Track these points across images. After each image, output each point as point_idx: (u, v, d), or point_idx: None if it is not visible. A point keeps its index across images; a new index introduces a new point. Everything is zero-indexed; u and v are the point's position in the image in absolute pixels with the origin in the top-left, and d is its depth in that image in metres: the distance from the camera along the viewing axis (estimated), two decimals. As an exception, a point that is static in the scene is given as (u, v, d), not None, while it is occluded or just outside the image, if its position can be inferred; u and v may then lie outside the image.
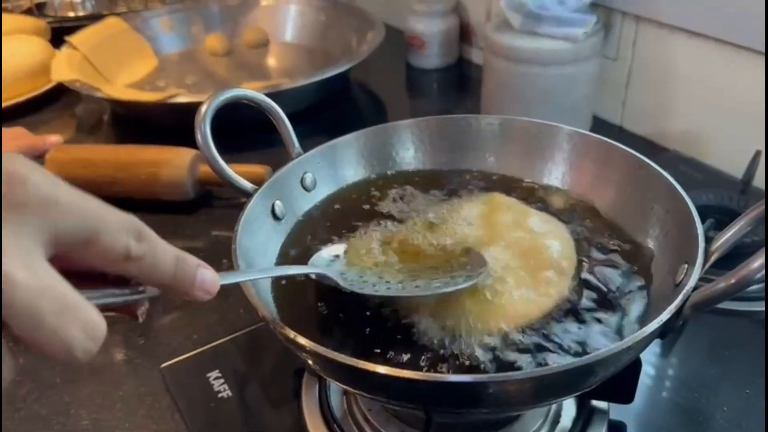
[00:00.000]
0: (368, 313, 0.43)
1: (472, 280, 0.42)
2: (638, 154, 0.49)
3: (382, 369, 0.33)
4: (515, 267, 0.45)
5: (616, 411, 0.49)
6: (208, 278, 0.31)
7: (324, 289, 0.44)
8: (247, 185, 0.49)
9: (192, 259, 0.31)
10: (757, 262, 0.32)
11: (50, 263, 0.25)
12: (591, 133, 0.53)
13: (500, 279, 0.44)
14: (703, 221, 0.42)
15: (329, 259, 0.47)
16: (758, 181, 0.70)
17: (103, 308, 0.28)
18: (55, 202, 0.25)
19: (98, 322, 0.26)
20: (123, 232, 0.27)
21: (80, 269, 0.28)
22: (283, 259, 0.49)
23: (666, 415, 0.50)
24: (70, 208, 0.26)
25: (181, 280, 0.30)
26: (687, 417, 0.50)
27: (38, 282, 0.24)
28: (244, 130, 0.77)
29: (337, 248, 0.48)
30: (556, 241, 0.48)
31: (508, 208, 0.51)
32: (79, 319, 0.25)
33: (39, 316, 0.24)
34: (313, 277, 0.44)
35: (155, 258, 0.29)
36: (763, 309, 0.58)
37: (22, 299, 0.23)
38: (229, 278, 0.35)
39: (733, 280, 0.33)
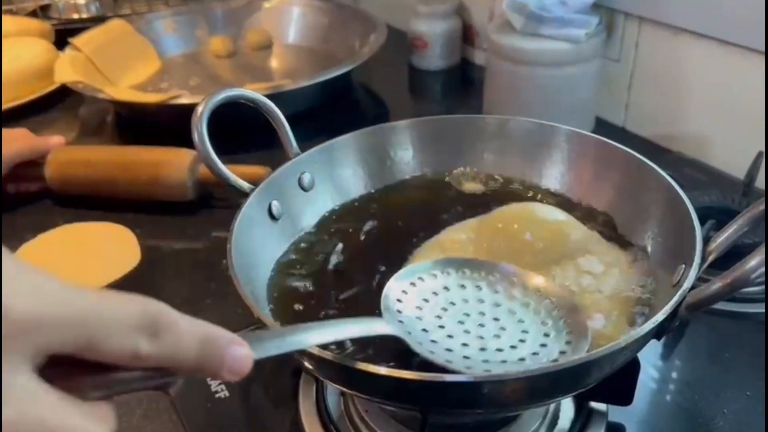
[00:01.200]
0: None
1: (572, 357, 0.35)
2: (636, 154, 0.49)
3: (376, 369, 0.33)
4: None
5: (615, 413, 0.49)
6: (240, 357, 0.28)
7: (318, 291, 0.44)
8: (244, 185, 0.49)
9: (222, 338, 0.28)
10: (753, 261, 0.32)
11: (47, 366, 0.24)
12: (589, 133, 0.53)
13: None
14: (704, 222, 0.42)
15: (396, 301, 0.40)
16: (761, 183, 0.69)
17: (121, 393, 0.26)
18: (33, 322, 0.23)
19: None
20: (129, 330, 0.25)
21: None
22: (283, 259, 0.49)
23: (666, 416, 0.50)
24: (57, 320, 0.23)
25: (207, 365, 0.27)
26: (687, 419, 0.49)
27: (14, 412, 0.22)
28: (244, 132, 0.77)
29: (402, 281, 0.41)
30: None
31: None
32: None
33: None
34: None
35: (174, 349, 0.26)
36: (763, 311, 0.58)
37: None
38: (268, 349, 0.30)
39: (728, 280, 0.33)
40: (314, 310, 0.44)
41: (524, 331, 0.38)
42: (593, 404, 0.49)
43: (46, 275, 0.24)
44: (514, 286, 0.41)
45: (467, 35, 1.13)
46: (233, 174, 0.49)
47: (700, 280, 0.37)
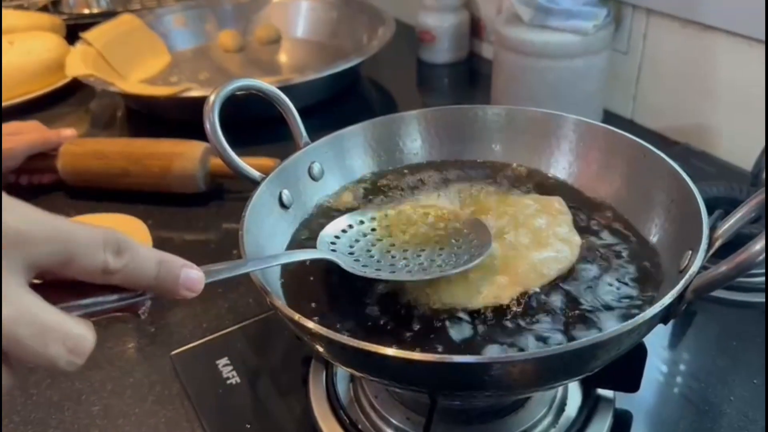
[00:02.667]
0: (373, 296, 0.44)
1: (478, 258, 0.43)
2: (643, 142, 0.49)
3: (385, 350, 0.34)
4: (517, 234, 0.47)
5: (622, 400, 0.49)
6: (193, 276, 0.33)
7: (331, 274, 0.45)
8: (255, 174, 0.50)
9: (176, 261, 0.33)
10: (758, 245, 0.32)
11: (36, 281, 0.28)
12: (596, 122, 0.53)
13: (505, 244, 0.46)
14: (711, 213, 0.42)
15: (333, 236, 0.47)
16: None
17: (99, 313, 0.31)
18: (25, 236, 0.27)
19: (81, 336, 0.29)
20: (98, 248, 0.29)
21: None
22: (294, 245, 0.50)
23: (672, 404, 0.50)
24: (42, 237, 0.28)
25: (164, 281, 0.32)
26: (693, 406, 0.50)
27: (13, 310, 0.26)
28: (254, 125, 0.78)
29: (341, 222, 0.49)
30: (557, 216, 0.49)
31: (495, 193, 0.54)
32: (60, 336, 0.28)
33: (17, 340, 0.26)
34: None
35: (135, 266, 0.31)
36: (771, 300, 0.58)
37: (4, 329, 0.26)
38: (221, 274, 0.35)
39: (734, 264, 0.33)
40: (323, 294, 0.45)
41: (441, 248, 0.46)
42: (600, 391, 0.49)
43: (34, 207, 0.28)
44: (432, 221, 0.49)
45: (475, 29, 1.13)
46: (244, 163, 0.50)
47: (704, 268, 0.38)
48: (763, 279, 0.59)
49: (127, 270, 0.30)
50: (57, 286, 0.30)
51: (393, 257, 0.45)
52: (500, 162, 0.57)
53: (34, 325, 0.27)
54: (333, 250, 0.45)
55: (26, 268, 0.28)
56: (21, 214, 0.28)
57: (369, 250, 0.46)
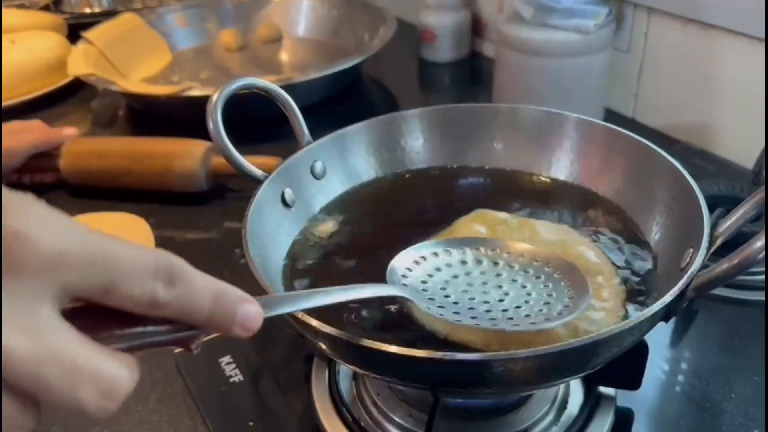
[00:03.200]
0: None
1: (576, 311, 0.38)
2: (644, 140, 0.49)
3: (388, 348, 0.34)
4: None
5: (624, 398, 0.49)
6: (251, 314, 0.29)
7: (333, 272, 0.45)
8: (258, 172, 0.50)
9: (234, 294, 0.28)
10: (759, 242, 0.33)
11: (68, 309, 0.24)
12: (597, 121, 0.53)
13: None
14: (712, 211, 0.42)
15: (405, 268, 0.41)
16: (769, 172, 0.69)
17: (144, 347, 0.26)
18: (59, 257, 0.23)
19: (117, 377, 0.25)
20: (147, 277, 0.25)
21: None
22: (297, 246, 0.50)
23: (673, 401, 0.50)
24: (79, 260, 0.24)
25: (219, 318, 0.28)
26: (694, 404, 0.50)
27: (40, 348, 0.23)
28: (256, 124, 0.78)
29: (414, 253, 0.43)
30: (581, 246, 0.47)
31: (502, 222, 0.49)
32: (91, 379, 0.24)
33: (44, 383, 0.23)
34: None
35: (188, 299, 0.26)
36: (772, 298, 0.58)
37: (23, 369, 0.22)
38: (281, 307, 0.31)
39: (735, 261, 0.34)
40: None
41: (528, 294, 0.40)
42: (602, 389, 0.49)
43: (72, 220, 0.25)
44: (513, 258, 0.43)
45: (477, 27, 1.13)
46: (247, 162, 0.50)
47: (704, 267, 0.38)
48: (762, 277, 0.60)
49: (178, 303, 0.26)
50: (93, 310, 0.25)
51: (471, 299, 0.40)
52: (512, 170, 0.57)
53: (62, 364, 0.23)
54: (404, 284, 0.40)
55: (59, 296, 0.24)
56: (55, 228, 0.24)
57: (444, 288, 0.41)
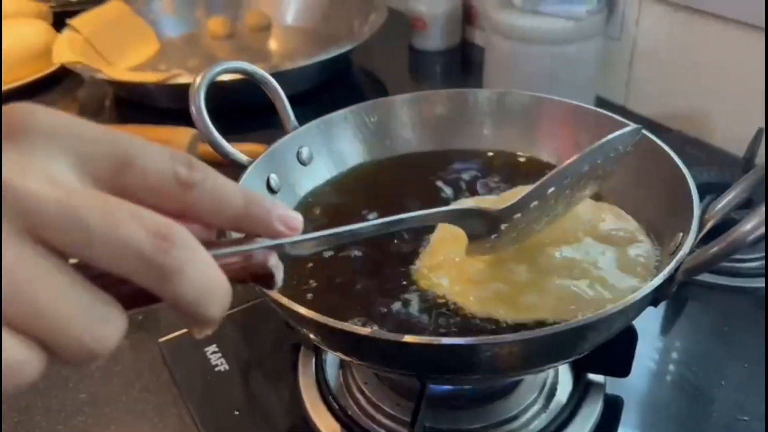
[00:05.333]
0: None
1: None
2: (633, 125, 0.49)
3: (374, 333, 0.34)
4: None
5: (613, 385, 0.49)
6: (291, 213, 0.26)
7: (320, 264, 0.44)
8: (243, 158, 0.49)
9: (266, 197, 0.26)
10: (749, 224, 0.32)
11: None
12: (587, 105, 0.53)
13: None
14: (704, 198, 0.42)
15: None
16: (761, 159, 0.69)
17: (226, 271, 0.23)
18: (68, 127, 0.22)
19: (159, 217, 0.21)
20: (166, 157, 0.23)
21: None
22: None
23: (663, 389, 0.50)
24: (93, 135, 0.22)
25: (257, 212, 0.25)
26: (684, 391, 0.49)
27: (65, 191, 0.20)
28: (242, 113, 0.76)
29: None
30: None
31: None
32: (133, 215, 0.20)
33: (76, 221, 0.20)
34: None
35: (215, 186, 0.24)
36: (763, 285, 0.58)
37: (57, 212, 0.19)
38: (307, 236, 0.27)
39: (725, 243, 0.33)
40: (310, 282, 0.45)
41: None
42: (591, 376, 0.49)
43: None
44: None
45: (468, 15, 1.12)
46: (232, 147, 0.49)
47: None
48: (754, 264, 0.60)
49: (207, 188, 0.23)
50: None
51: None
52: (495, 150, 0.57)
53: (97, 203, 0.20)
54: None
55: (74, 165, 0.21)
56: (64, 114, 0.22)
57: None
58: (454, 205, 0.38)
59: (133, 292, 0.22)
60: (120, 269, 0.21)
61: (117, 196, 0.21)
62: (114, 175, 0.22)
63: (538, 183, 0.36)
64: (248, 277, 0.26)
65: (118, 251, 0.20)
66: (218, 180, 0.24)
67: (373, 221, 0.30)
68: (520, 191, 0.37)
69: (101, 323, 0.21)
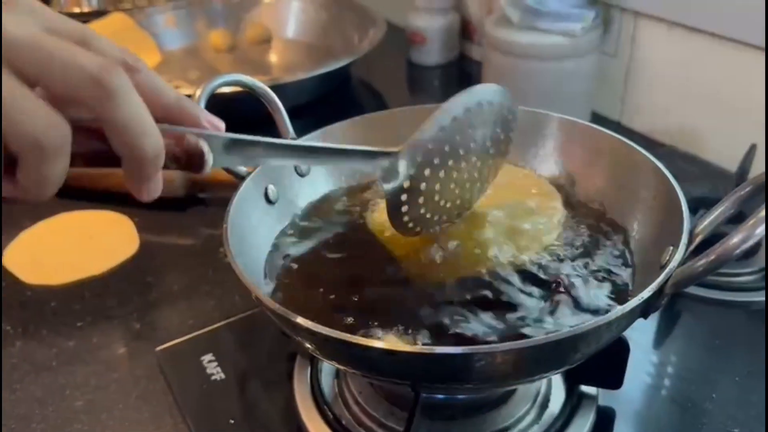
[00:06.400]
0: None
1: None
2: (625, 140, 0.50)
3: (367, 342, 0.34)
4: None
5: (605, 397, 0.49)
6: (214, 117, 0.34)
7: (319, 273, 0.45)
8: (242, 169, 0.50)
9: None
10: (736, 238, 0.33)
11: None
12: (580, 120, 0.54)
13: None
14: (695, 213, 0.42)
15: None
16: (753, 175, 0.70)
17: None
18: (44, 10, 0.29)
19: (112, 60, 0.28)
20: (115, 47, 0.30)
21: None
22: (280, 240, 0.50)
23: (655, 401, 0.50)
24: (61, 18, 0.29)
25: (187, 105, 0.32)
26: (676, 404, 0.50)
27: (37, 32, 0.27)
28: (241, 126, 0.77)
29: None
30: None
31: None
32: (86, 54, 0.27)
33: (43, 50, 0.27)
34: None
35: (155, 76, 0.31)
36: (756, 299, 0.58)
37: (23, 42, 0.26)
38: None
39: (713, 257, 0.34)
40: (308, 290, 0.45)
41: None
42: (583, 388, 0.49)
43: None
44: None
45: (465, 30, 1.14)
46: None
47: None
48: (747, 278, 0.60)
49: (148, 76, 0.30)
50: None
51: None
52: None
53: (59, 41, 0.27)
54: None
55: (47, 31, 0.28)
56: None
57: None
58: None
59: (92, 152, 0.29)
60: (71, 89, 0.27)
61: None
62: (78, 43, 0.28)
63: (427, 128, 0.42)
64: (182, 155, 0.31)
65: (74, 73, 0.27)
66: (156, 75, 0.31)
67: (291, 141, 0.37)
68: None
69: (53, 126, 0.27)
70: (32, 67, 0.27)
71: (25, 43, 0.26)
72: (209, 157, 0.31)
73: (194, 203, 0.78)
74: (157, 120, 0.30)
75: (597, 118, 0.91)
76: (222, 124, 0.34)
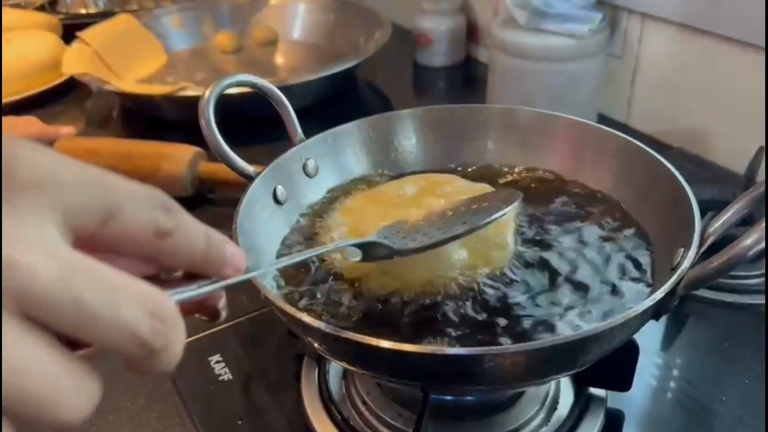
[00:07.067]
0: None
1: (508, 206, 0.41)
2: (636, 142, 0.50)
3: (378, 342, 0.34)
4: None
5: (614, 399, 0.49)
6: (237, 254, 0.27)
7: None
8: (249, 169, 0.50)
9: (218, 234, 0.27)
10: (749, 239, 0.33)
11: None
12: (589, 122, 0.53)
13: None
14: (705, 214, 0.42)
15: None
16: (762, 177, 0.70)
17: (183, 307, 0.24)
18: (54, 176, 0.21)
19: (157, 294, 0.21)
20: (148, 204, 0.23)
21: None
22: (287, 243, 0.50)
23: (664, 404, 0.50)
24: (79, 182, 0.22)
25: (213, 257, 0.26)
26: (685, 406, 0.50)
27: (65, 265, 0.19)
28: (249, 126, 0.77)
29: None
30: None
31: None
32: (133, 294, 0.20)
33: (78, 303, 0.19)
34: (352, 252, 0.40)
35: (186, 233, 0.25)
36: (763, 302, 0.58)
37: (50, 289, 0.19)
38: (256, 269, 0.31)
39: (725, 258, 0.34)
40: (315, 292, 0.45)
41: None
42: (592, 390, 0.49)
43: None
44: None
45: (472, 32, 1.14)
46: (239, 158, 0.50)
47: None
48: (755, 281, 0.60)
49: (178, 237, 0.24)
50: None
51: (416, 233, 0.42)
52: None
53: (95, 279, 0.20)
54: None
55: (62, 223, 0.21)
56: (53, 154, 0.21)
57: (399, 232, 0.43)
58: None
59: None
60: (111, 347, 0.21)
61: (99, 246, 0.22)
62: (99, 226, 0.22)
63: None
64: (200, 313, 0.29)
65: (116, 333, 0.20)
66: (187, 225, 0.25)
67: (291, 257, 0.36)
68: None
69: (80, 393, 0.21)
70: (69, 327, 0.20)
71: (56, 296, 0.19)
72: (224, 313, 0.30)
73: (202, 203, 0.79)
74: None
75: (604, 120, 0.90)
76: (243, 259, 0.28)
